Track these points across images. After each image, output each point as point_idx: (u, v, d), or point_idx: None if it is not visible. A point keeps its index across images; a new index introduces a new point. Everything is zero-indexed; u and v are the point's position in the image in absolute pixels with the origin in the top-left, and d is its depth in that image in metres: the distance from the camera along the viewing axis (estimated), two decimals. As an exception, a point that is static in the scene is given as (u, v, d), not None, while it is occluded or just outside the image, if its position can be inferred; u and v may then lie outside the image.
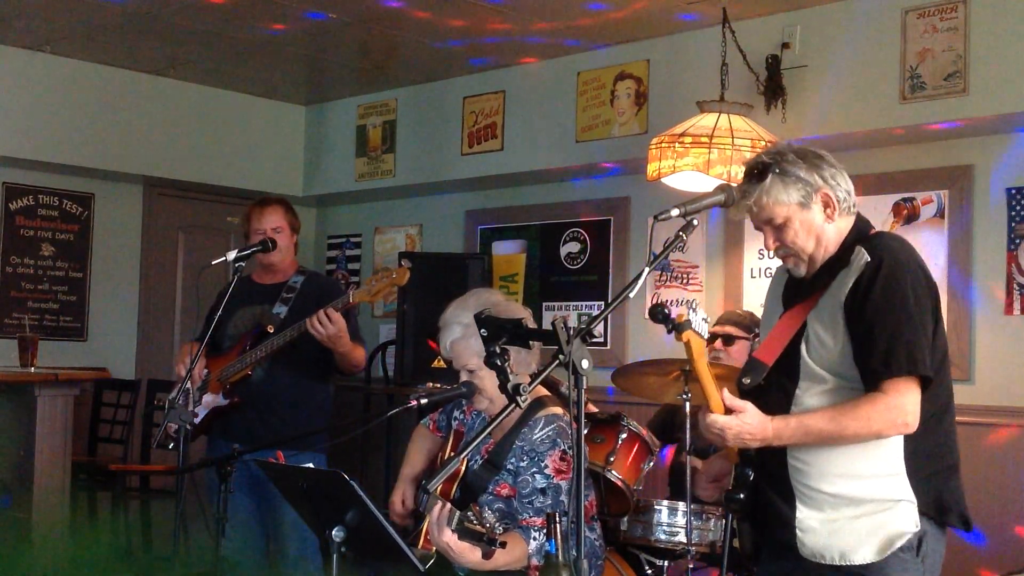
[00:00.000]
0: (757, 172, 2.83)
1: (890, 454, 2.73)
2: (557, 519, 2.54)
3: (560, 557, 2.51)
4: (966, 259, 5.04)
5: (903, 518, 2.71)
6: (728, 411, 2.74)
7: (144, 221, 7.41)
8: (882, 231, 2.91)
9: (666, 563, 4.26)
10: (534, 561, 3.19)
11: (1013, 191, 4.98)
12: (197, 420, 4.43)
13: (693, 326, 2.73)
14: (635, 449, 4.12)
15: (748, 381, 2.84)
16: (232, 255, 4.38)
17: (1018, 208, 4.97)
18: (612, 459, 4.04)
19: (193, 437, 4.48)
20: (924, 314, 2.71)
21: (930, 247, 5.08)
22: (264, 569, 4.39)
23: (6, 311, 6.77)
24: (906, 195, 5.21)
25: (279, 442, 4.07)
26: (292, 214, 4.64)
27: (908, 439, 2.72)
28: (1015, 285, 4.95)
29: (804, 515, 2.76)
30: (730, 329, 4.68)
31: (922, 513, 2.72)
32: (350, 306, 4.25)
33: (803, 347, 2.79)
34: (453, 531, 2.98)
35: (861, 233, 2.84)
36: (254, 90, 7.34)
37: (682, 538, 4.10)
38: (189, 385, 4.38)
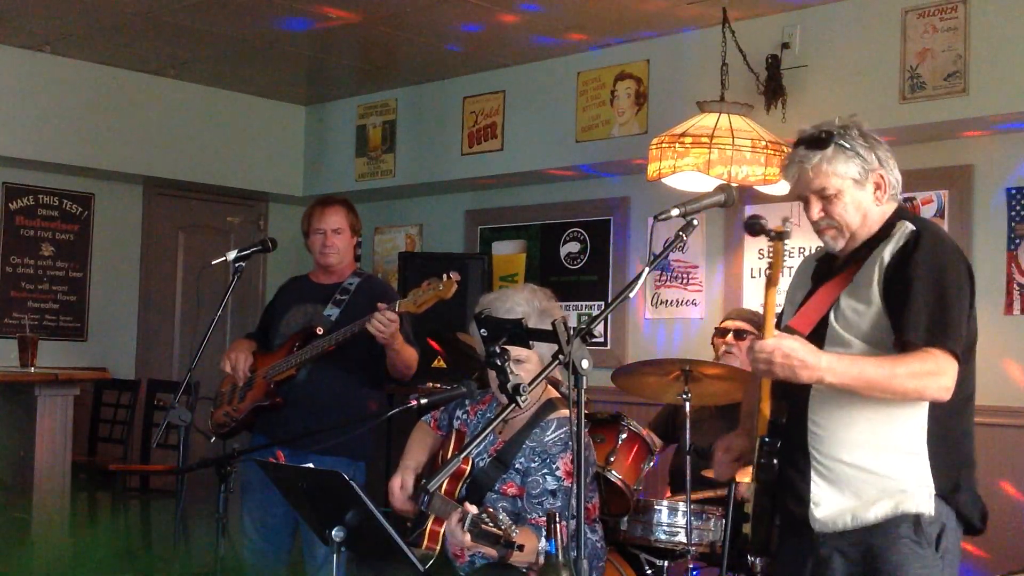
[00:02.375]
0: (820, 140, 2.82)
1: (912, 430, 2.71)
2: (557, 519, 2.54)
3: (560, 557, 2.51)
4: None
5: (919, 498, 2.70)
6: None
7: (144, 221, 7.41)
8: (922, 217, 2.95)
9: (666, 563, 4.26)
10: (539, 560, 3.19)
11: (1013, 191, 4.99)
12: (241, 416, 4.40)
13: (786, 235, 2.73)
14: (635, 449, 4.12)
15: None
16: (232, 255, 4.34)
17: (1018, 208, 4.97)
18: (612, 459, 4.04)
19: (235, 432, 4.46)
20: (963, 294, 2.72)
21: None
22: (281, 570, 4.37)
23: (6, 311, 6.77)
24: (906, 195, 5.21)
25: (319, 447, 4.04)
26: (354, 215, 4.56)
27: (932, 420, 2.70)
28: (1015, 285, 4.95)
29: (817, 490, 2.75)
30: (742, 324, 4.71)
31: (940, 497, 2.70)
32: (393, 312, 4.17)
33: (831, 316, 2.78)
34: (466, 531, 3.00)
35: (901, 216, 2.85)
36: (254, 90, 7.34)
37: (682, 538, 4.10)
38: (242, 378, 4.37)
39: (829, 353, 2.68)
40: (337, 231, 4.48)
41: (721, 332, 4.76)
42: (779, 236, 2.72)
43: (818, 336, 2.78)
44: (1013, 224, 4.98)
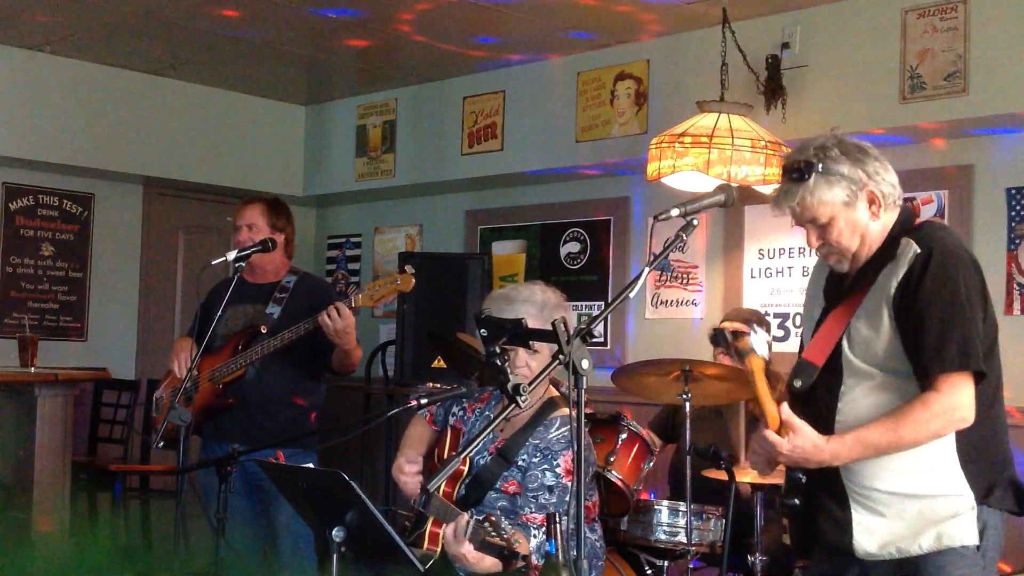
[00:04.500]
0: (800, 171, 2.75)
1: (941, 447, 2.68)
2: (557, 519, 2.54)
3: (560, 557, 2.51)
4: (966, 259, 5.03)
5: (960, 514, 2.67)
6: (782, 425, 2.69)
7: (144, 221, 7.41)
8: (927, 220, 2.85)
9: (666, 563, 4.26)
10: (534, 560, 3.19)
11: (1013, 191, 4.99)
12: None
13: (755, 347, 2.71)
14: (635, 449, 4.12)
15: (800, 384, 2.79)
16: (232, 255, 4.37)
17: (1018, 208, 4.97)
18: (612, 459, 4.04)
19: (184, 438, 4.47)
20: (975, 306, 2.68)
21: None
22: (262, 570, 4.38)
23: (6, 311, 6.77)
24: (906, 195, 5.19)
25: (276, 442, 4.06)
26: (275, 214, 4.59)
27: (957, 432, 2.67)
28: (1015, 285, 4.95)
29: (860, 517, 2.72)
30: (740, 326, 4.70)
31: (980, 503, 2.68)
32: (351, 309, 4.24)
33: (844, 344, 2.74)
34: (468, 539, 3.00)
35: (905, 225, 2.79)
36: (254, 90, 7.34)
37: (682, 538, 4.11)
38: (189, 383, 4.37)
39: (833, 440, 2.68)
40: (251, 227, 4.54)
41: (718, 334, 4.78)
42: (739, 354, 2.73)
43: (834, 367, 2.76)
44: (1013, 224, 4.98)
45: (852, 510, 2.73)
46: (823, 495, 2.77)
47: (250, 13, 5.72)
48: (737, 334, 2.79)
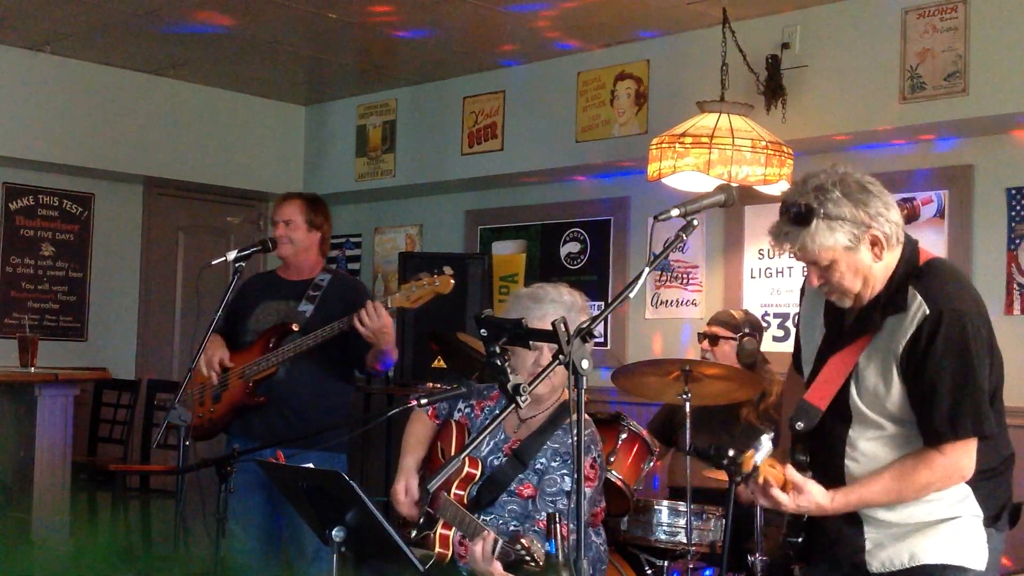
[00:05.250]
0: (801, 216, 2.65)
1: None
2: (557, 519, 2.54)
3: (560, 557, 2.51)
4: (966, 259, 5.03)
5: (974, 533, 2.71)
6: (786, 483, 2.69)
7: (144, 221, 7.41)
8: (932, 260, 2.77)
9: (666, 563, 4.26)
10: None
11: (1013, 191, 4.99)
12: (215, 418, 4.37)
13: (758, 462, 2.66)
14: (635, 449, 4.12)
15: (802, 426, 2.78)
16: (232, 255, 4.33)
17: (1018, 208, 4.97)
18: (612, 459, 4.04)
19: (212, 434, 4.44)
20: (984, 364, 2.65)
21: (930, 247, 5.06)
22: (275, 569, 4.37)
23: (6, 311, 6.77)
24: (906, 195, 5.21)
25: (297, 441, 4.05)
26: (312, 210, 4.56)
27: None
28: (1015, 285, 4.95)
29: (872, 536, 2.75)
30: (716, 330, 4.76)
31: (987, 526, 2.72)
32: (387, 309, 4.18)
33: (853, 390, 2.73)
34: (495, 559, 3.01)
35: (910, 264, 2.72)
36: (254, 90, 7.34)
37: (682, 538, 4.11)
38: (215, 379, 4.34)
39: (837, 497, 2.70)
40: (289, 223, 4.50)
41: (699, 337, 4.83)
42: (745, 479, 2.68)
43: (840, 411, 2.75)
44: (1013, 224, 4.97)
45: (865, 532, 2.76)
46: (837, 522, 2.79)
47: (251, 13, 5.71)
48: (738, 455, 2.71)
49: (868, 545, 2.75)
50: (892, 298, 2.69)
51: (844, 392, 2.75)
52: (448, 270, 4.10)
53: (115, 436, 6.78)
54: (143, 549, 5.97)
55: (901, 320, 2.66)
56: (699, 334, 4.87)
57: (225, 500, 3.67)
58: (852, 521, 2.77)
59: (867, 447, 2.73)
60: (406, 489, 3.57)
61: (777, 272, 5.69)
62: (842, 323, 2.82)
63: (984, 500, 2.71)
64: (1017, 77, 4.69)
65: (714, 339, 4.74)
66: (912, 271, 2.71)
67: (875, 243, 2.67)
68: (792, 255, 2.75)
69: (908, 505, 2.71)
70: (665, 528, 4.14)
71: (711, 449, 2.85)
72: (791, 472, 2.70)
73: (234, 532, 4.32)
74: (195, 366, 4.24)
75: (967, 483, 2.70)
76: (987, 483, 2.73)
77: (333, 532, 2.93)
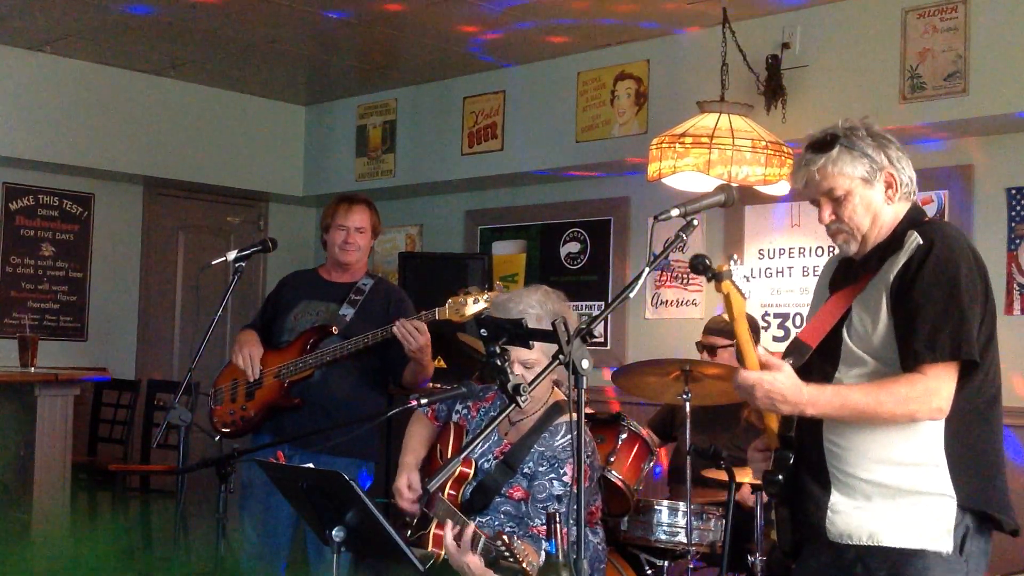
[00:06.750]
0: (825, 142, 2.76)
1: (930, 442, 2.66)
2: (557, 519, 2.53)
3: (560, 557, 2.51)
4: (966, 259, 5.03)
5: (941, 514, 2.65)
6: (763, 368, 2.67)
7: (144, 221, 7.41)
8: (936, 218, 2.88)
9: (666, 563, 4.26)
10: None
11: (1013, 191, 4.99)
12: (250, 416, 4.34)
13: (733, 277, 2.69)
14: (635, 449, 4.11)
15: (791, 362, 2.76)
16: (232, 255, 4.32)
17: (1018, 208, 4.97)
18: (612, 459, 4.04)
19: (243, 433, 4.41)
20: (974, 301, 2.67)
21: (930, 247, 5.08)
22: (291, 569, 4.36)
23: (6, 311, 6.77)
24: (906, 195, 5.20)
25: (328, 447, 4.03)
26: (376, 216, 4.57)
27: (949, 429, 2.65)
28: (1015, 285, 4.96)
29: (837, 499, 2.70)
30: (713, 340, 4.75)
31: (963, 509, 2.66)
32: (431, 321, 4.16)
33: (845, 331, 2.74)
34: (479, 554, 2.99)
35: (914, 220, 2.79)
36: (254, 90, 7.34)
37: (682, 538, 4.10)
38: (256, 375, 4.31)
39: (812, 385, 2.66)
40: (360, 230, 4.49)
41: (697, 348, 4.82)
42: (716, 276, 2.69)
43: (828, 350, 2.75)
44: (1013, 224, 4.98)
45: (831, 494, 2.71)
46: (806, 477, 2.75)
47: (250, 13, 5.71)
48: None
49: (831, 507, 2.70)
50: (892, 241, 2.75)
51: (837, 334, 2.75)
52: (500, 285, 4.09)
53: (115, 436, 6.78)
54: (143, 549, 5.97)
55: (896, 256, 2.70)
56: (697, 344, 4.86)
57: (225, 500, 3.67)
58: (821, 480, 2.73)
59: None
60: (409, 484, 3.56)
61: (777, 272, 5.69)
62: (846, 278, 2.84)
63: (960, 484, 2.66)
64: (1017, 77, 4.69)
65: (712, 349, 4.74)
66: (916, 223, 2.77)
67: (890, 184, 2.76)
68: (808, 184, 2.78)
69: (882, 464, 2.66)
70: (665, 528, 4.14)
71: (711, 449, 2.85)
72: (764, 353, 2.68)
73: (244, 530, 4.32)
74: (194, 367, 4.21)
75: (946, 464, 2.64)
76: (967, 474, 2.67)
77: (333, 532, 2.93)
